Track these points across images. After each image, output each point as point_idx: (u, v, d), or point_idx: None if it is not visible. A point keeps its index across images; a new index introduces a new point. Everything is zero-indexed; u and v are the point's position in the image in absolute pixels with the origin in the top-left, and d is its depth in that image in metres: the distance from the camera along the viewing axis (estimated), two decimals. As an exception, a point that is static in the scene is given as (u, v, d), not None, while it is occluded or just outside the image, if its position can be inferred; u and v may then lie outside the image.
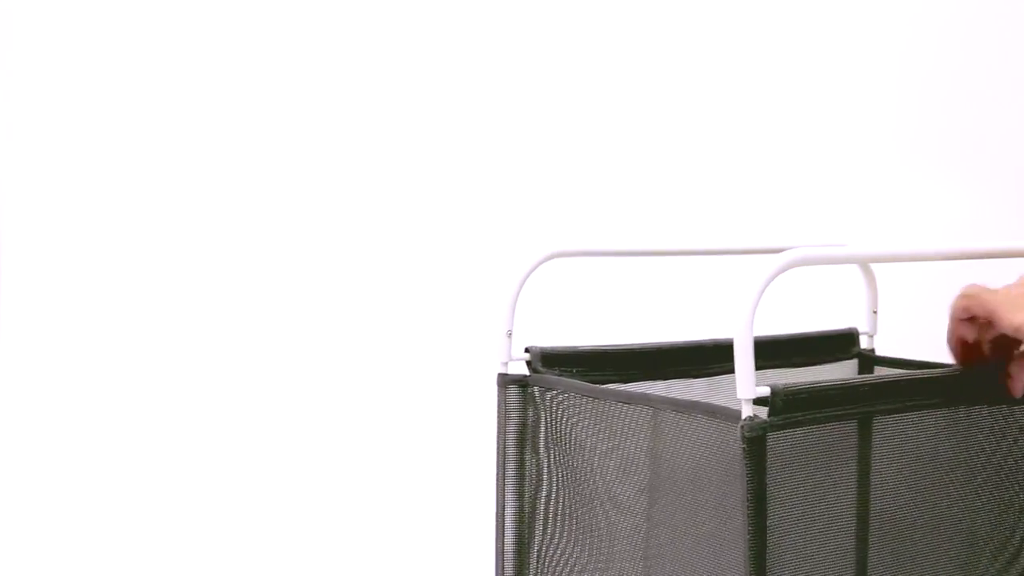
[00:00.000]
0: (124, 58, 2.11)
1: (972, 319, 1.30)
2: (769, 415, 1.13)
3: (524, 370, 1.49)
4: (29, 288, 2.14)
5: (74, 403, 2.15)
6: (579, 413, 1.40)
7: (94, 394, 2.15)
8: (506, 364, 1.47)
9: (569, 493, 1.44)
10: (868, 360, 1.71)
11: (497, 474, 1.49)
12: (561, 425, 1.43)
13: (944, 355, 1.37)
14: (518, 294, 1.46)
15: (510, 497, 1.47)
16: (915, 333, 1.38)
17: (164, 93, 2.12)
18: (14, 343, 2.15)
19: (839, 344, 1.71)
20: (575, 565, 1.44)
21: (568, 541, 1.45)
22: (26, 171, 2.13)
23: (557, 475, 1.45)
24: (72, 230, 2.13)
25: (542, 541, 1.47)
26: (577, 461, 1.42)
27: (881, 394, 1.22)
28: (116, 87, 2.12)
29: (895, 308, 1.75)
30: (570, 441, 1.42)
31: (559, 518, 1.45)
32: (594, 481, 1.40)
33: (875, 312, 1.72)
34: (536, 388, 1.46)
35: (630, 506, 1.36)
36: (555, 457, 1.45)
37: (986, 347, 1.30)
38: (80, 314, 2.14)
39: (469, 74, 2.12)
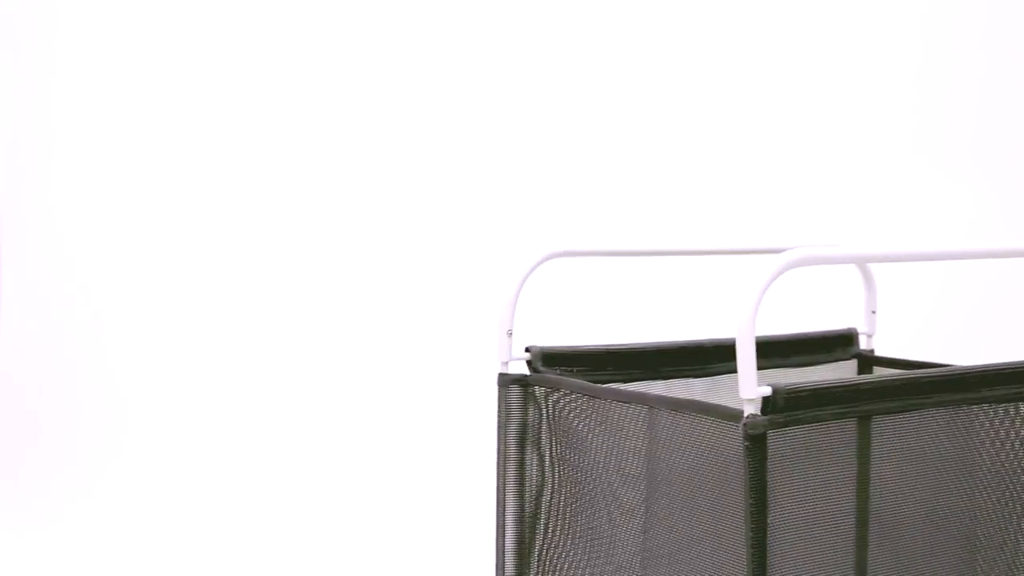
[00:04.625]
0: (124, 60, 2.12)
1: None
2: (770, 413, 1.14)
3: (525, 370, 1.49)
4: (29, 288, 2.14)
5: (73, 400, 2.15)
6: (579, 412, 1.41)
7: (93, 392, 2.15)
8: (507, 364, 1.48)
9: (570, 492, 1.44)
10: (867, 360, 1.71)
11: (498, 473, 1.49)
12: (562, 424, 1.43)
13: (943, 355, 1.37)
14: (518, 294, 1.47)
15: (511, 495, 1.48)
16: (913, 333, 1.38)
17: (163, 97, 2.12)
18: (14, 342, 2.15)
19: (838, 344, 1.71)
20: (575, 563, 1.44)
21: (568, 539, 1.45)
22: (26, 171, 2.13)
23: (558, 474, 1.45)
24: (72, 230, 2.13)
25: (543, 539, 1.48)
26: (578, 460, 1.42)
27: (880, 394, 1.23)
28: (116, 89, 2.12)
29: (894, 308, 1.75)
30: (571, 440, 1.42)
31: (560, 516, 1.46)
32: (594, 480, 1.40)
33: (874, 312, 1.73)
34: (537, 387, 1.46)
35: (629, 504, 1.37)
36: (556, 456, 1.45)
37: None
38: (80, 314, 2.14)
39: (470, 77, 2.12)
